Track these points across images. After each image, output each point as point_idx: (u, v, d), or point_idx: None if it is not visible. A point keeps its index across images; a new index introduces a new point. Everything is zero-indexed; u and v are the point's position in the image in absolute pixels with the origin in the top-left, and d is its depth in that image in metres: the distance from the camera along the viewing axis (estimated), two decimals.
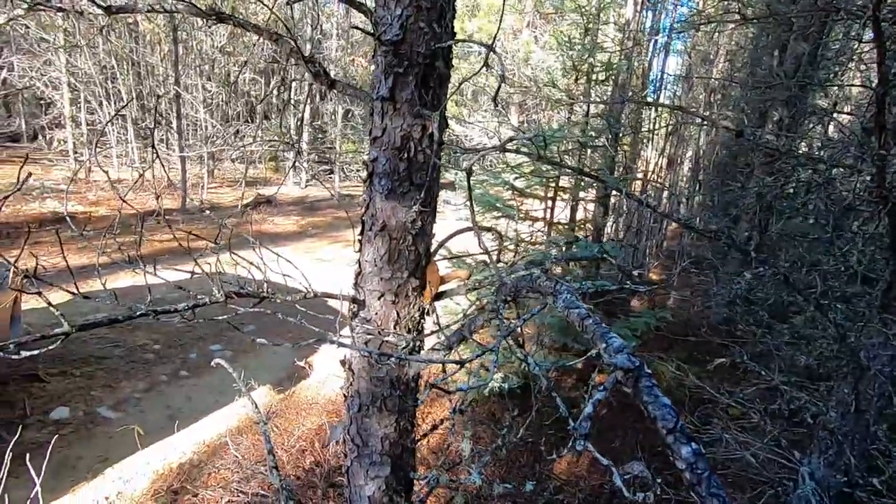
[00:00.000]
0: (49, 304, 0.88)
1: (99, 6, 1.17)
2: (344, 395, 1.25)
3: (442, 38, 1.14)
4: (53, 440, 3.37)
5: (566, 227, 5.14)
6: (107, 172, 1.50)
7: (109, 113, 12.13)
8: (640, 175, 8.73)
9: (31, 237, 7.28)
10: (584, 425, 0.59)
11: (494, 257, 1.26)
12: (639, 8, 5.69)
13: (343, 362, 1.25)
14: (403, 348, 1.19)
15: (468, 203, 0.87)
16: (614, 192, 6.78)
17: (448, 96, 1.19)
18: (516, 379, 3.94)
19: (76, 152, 11.46)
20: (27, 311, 5.17)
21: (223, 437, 3.58)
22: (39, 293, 0.85)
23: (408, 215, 1.18)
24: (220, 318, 1.18)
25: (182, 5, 1.16)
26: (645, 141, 9.58)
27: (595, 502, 3.28)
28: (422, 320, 1.23)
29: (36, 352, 0.87)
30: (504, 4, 1.22)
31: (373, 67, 1.21)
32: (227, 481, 3.21)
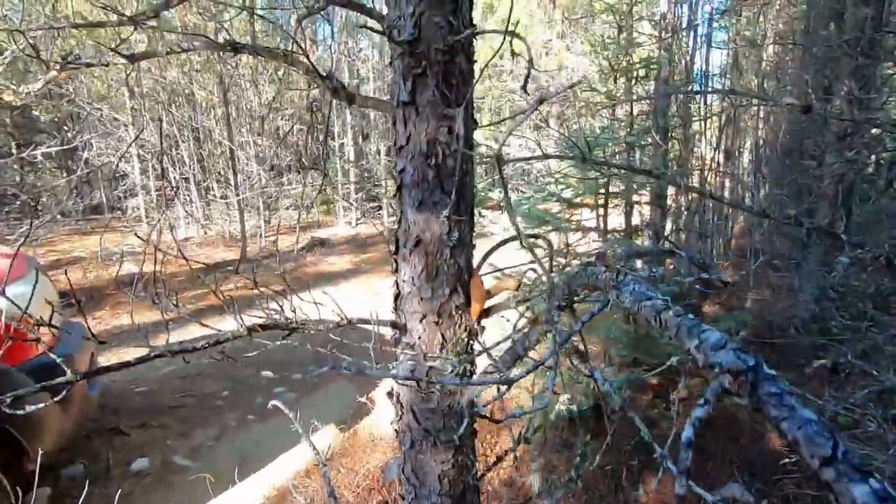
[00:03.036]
0: (48, 351, 0.84)
1: (123, 56, 1.20)
2: (395, 431, 1.13)
3: (460, 30, 1.06)
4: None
5: (622, 234, 4.86)
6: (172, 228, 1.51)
7: (176, 178, 13.13)
8: (695, 171, 8.25)
9: (111, 298, 7.84)
10: (684, 456, 0.41)
11: (545, 265, 1.12)
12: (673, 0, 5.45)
13: (391, 395, 1.14)
14: (451, 373, 1.07)
15: (504, 197, 0.76)
16: (670, 192, 6.40)
17: (472, 89, 1.10)
18: (586, 400, 3.66)
19: (148, 217, 12.40)
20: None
21: (290, 480, 3.55)
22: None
23: (443, 227, 1.07)
24: (273, 368, 1.12)
25: (199, 43, 1.16)
26: (697, 137, 9.08)
27: None
28: (470, 342, 1.11)
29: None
30: None
31: (390, 76, 1.14)
32: None
